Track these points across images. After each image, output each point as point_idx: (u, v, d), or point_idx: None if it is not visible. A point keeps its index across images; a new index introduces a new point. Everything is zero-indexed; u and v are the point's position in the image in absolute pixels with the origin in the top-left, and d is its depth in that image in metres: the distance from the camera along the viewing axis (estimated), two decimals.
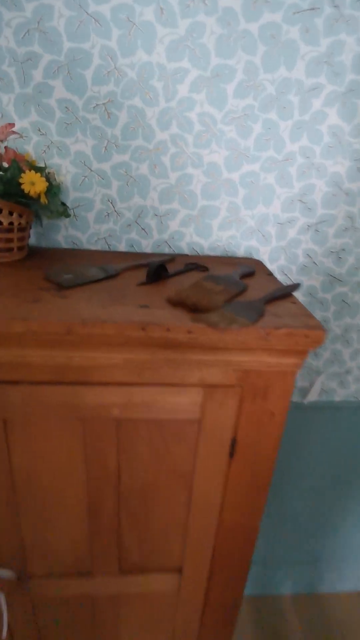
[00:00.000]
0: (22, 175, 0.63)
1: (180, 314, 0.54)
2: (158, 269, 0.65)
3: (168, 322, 0.50)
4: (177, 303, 0.56)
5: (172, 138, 0.79)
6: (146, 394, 0.58)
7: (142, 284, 0.63)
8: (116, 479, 0.66)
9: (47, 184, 0.66)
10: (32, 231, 0.84)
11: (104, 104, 0.75)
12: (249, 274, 0.73)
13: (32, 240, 0.85)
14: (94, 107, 0.75)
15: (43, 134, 0.77)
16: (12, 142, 0.77)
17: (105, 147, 0.79)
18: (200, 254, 0.90)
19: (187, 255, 0.88)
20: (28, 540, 0.72)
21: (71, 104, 0.75)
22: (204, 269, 0.75)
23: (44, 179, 0.65)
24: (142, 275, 0.68)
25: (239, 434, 0.64)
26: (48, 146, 0.78)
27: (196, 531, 0.74)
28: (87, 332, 0.49)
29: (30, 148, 0.78)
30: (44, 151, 0.78)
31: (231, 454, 0.66)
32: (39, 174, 0.64)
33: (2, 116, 0.74)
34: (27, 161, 0.69)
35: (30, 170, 0.63)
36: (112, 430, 0.62)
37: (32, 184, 0.64)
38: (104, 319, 0.50)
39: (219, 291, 0.59)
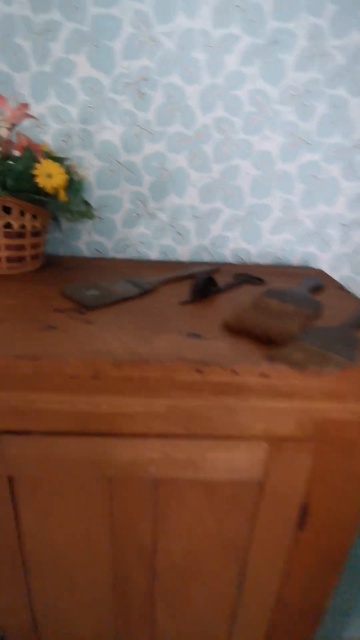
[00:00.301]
0: (37, 165, 0.50)
1: (245, 345, 0.39)
2: (206, 284, 0.50)
3: (232, 361, 0.36)
4: (238, 330, 0.41)
5: (216, 122, 0.65)
6: (193, 448, 0.44)
7: (187, 302, 0.49)
8: (150, 552, 0.51)
9: (67, 177, 0.53)
10: (48, 237, 0.72)
11: (135, 82, 0.62)
12: (317, 288, 0.57)
13: (49, 248, 0.73)
14: (123, 87, 0.62)
15: (63, 121, 0.64)
16: (26, 132, 0.65)
17: (136, 135, 0.65)
18: (247, 262, 0.75)
19: (232, 264, 0.74)
20: (39, 613, 0.58)
21: (96, 84, 0.62)
22: (259, 281, 0.60)
23: (63, 170, 0.52)
24: (182, 289, 0.54)
25: (311, 499, 0.49)
26: (69, 135, 0.65)
27: (248, 613, 0.59)
28: (122, 376, 0.35)
29: (48, 138, 0.65)
30: (64, 141, 0.65)
31: (300, 524, 0.51)
32: (57, 164, 0.51)
33: (15, 100, 0.62)
34: (44, 151, 0.56)
35: (48, 160, 0.50)
36: (147, 493, 0.48)
37: (49, 176, 0.51)
38: (144, 355, 0.36)
39: (291, 313, 0.44)
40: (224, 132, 0.66)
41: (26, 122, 0.64)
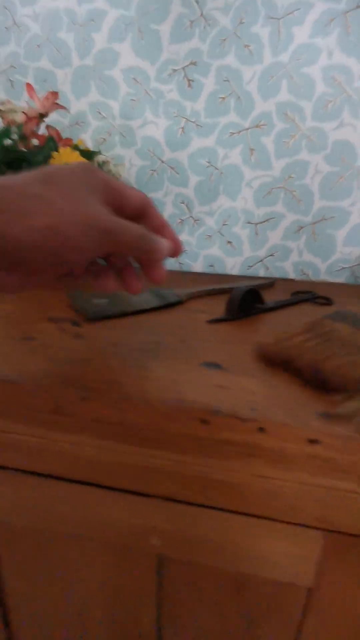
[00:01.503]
0: (54, 154, 0.43)
1: (286, 387, 0.25)
2: (246, 297, 0.38)
3: (262, 411, 0.22)
4: (278, 363, 0.28)
5: (279, 109, 0.53)
6: (214, 523, 0.30)
7: (216, 320, 0.36)
8: None
9: None
10: None
11: (183, 68, 0.54)
12: None
13: None
14: (169, 75, 0.55)
15: (103, 117, 0.58)
16: (67, 131, 0.60)
17: (183, 129, 0.57)
18: (314, 279, 0.60)
19: (293, 280, 0.59)
20: None
21: (140, 74, 0.55)
22: (325, 301, 0.45)
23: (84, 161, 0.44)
24: (217, 306, 0.42)
25: None
26: (109, 132, 0.59)
27: None
28: (91, 415, 0.24)
29: (87, 137, 0.60)
30: (104, 139, 0.59)
31: None
32: (76, 153, 0.43)
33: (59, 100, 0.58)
34: (76, 146, 0.50)
35: (65, 148, 0.43)
36: (150, 570, 0.35)
37: None
38: (126, 389, 0.24)
39: None
40: (290, 119, 0.54)
41: (66, 121, 0.59)
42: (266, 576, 0.32)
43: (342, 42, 0.50)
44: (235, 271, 0.62)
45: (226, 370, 0.27)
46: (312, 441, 0.22)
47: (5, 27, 0.57)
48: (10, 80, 0.59)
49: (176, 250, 0.26)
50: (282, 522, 0.28)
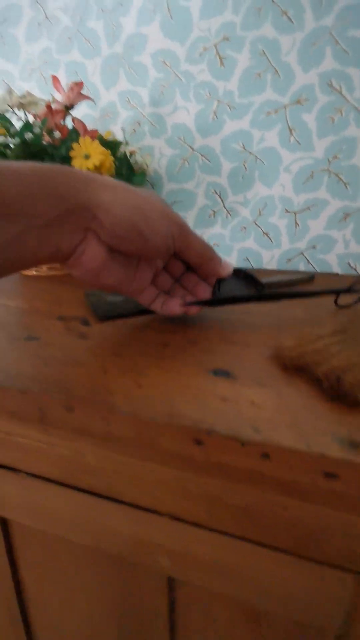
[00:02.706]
0: (74, 145, 0.42)
1: (306, 402, 0.21)
2: (231, 281, 0.32)
3: (269, 431, 0.19)
4: (298, 369, 0.23)
5: (322, 79, 0.47)
6: (226, 550, 0.27)
7: (191, 304, 0.30)
8: None
9: (111, 158, 0.43)
10: None
11: (214, 45, 0.50)
12: None
13: None
14: (200, 54, 0.51)
15: (133, 106, 0.56)
16: (98, 123, 0.59)
17: (215, 113, 0.52)
18: None
19: (338, 274, 0.53)
20: None
21: (170, 56, 0.52)
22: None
23: (106, 151, 0.42)
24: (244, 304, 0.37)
25: None
26: (139, 122, 0.56)
27: None
28: (77, 425, 0.22)
29: (117, 128, 0.58)
30: (134, 130, 0.57)
31: None
32: (96, 142, 0.41)
33: (89, 92, 0.57)
34: (100, 137, 0.48)
35: (85, 138, 0.42)
36: (161, 590, 0.32)
37: (87, 157, 0.42)
38: (112, 403, 0.21)
39: None
40: (336, 91, 0.47)
41: (96, 114, 0.58)
42: (287, 615, 0.28)
43: None
44: (272, 265, 0.57)
45: (234, 378, 0.23)
46: (329, 475, 0.17)
47: (38, 23, 0.57)
48: (44, 76, 0.59)
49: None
50: (305, 557, 0.24)
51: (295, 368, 0.23)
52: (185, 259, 0.29)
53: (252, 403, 0.21)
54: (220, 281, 0.31)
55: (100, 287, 0.27)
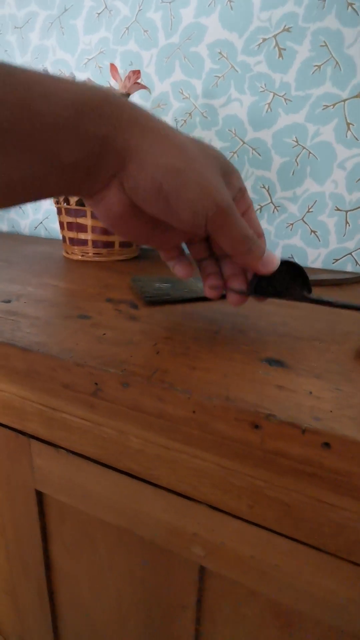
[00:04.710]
0: None
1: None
2: (278, 275, 0.29)
3: (319, 420, 0.18)
4: None
5: None
6: (263, 544, 0.26)
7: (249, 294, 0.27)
8: None
9: None
10: None
11: (274, 36, 0.49)
12: None
13: None
14: (259, 45, 0.50)
15: (186, 97, 0.56)
16: None
17: (269, 105, 0.52)
18: None
19: None
20: None
21: (227, 47, 0.52)
22: None
23: None
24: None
25: None
26: (190, 114, 0.56)
27: None
28: (130, 401, 0.22)
29: (168, 118, 0.58)
30: (184, 121, 0.57)
31: None
32: None
33: (143, 81, 0.57)
34: None
35: None
36: (190, 579, 0.32)
37: None
38: (170, 380, 0.21)
39: None
40: None
41: (148, 104, 0.58)
42: (321, 618, 0.27)
43: None
44: (317, 264, 0.55)
45: (289, 368, 0.23)
46: None
47: (97, 13, 0.58)
48: (99, 66, 0.60)
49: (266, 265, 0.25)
50: (345, 560, 0.23)
51: None
52: (218, 244, 0.24)
53: (312, 394, 0.20)
54: (260, 277, 0.26)
55: (119, 234, 0.24)
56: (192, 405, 0.20)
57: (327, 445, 0.18)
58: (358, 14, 0.45)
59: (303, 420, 0.18)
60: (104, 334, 0.27)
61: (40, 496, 0.36)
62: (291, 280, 0.27)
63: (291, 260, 0.27)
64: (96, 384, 0.22)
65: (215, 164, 0.22)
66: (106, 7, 0.57)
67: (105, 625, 0.40)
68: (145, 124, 0.20)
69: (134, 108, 0.20)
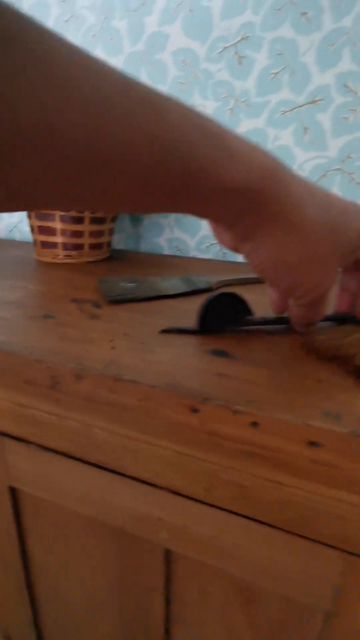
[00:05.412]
0: None
1: (298, 380, 0.22)
2: (218, 306, 0.29)
3: (251, 402, 0.20)
4: (329, 358, 0.25)
5: (339, 80, 0.48)
6: (220, 525, 0.28)
7: (167, 331, 0.29)
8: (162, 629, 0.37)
9: None
10: (129, 232, 0.66)
11: (234, 44, 0.51)
12: None
13: (130, 245, 0.67)
14: (219, 53, 0.52)
15: None
16: None
17: (231, 110, 0.54)
18: None
19: None
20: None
21: (190, 55, 0.54)
22: None
23: None
24: (251, 293, 0.39)
25: None
26: None
27: None
28: (86, 394, 0.24)
29: None
30: None
31: None
32: None
33: None
34: None
35: None
36: (158, 564, 0.34)
37: None
38: (118, 371, 0.23)
39: None
40: (352, 91, 0.48)
41: None
42: (279, 592, 0.29)
43: None
44: None
45: (233, 358, 0.25)
46: (312, 443, 0.19)
47: (64, 20, 0.59)
48: None
49: None
50: (297, 535, 0.26)
51: (328, 358, 0.24)
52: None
53: (249, 381, 0.22)
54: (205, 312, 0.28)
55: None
56: (139, 393, 0.22)
57: (255, 424, 0.20)
58: (311, 23, 0.48)
59: (236, 403, 0.20)
60: (65, 332, 0.29)
61: (14, 492, 0.38)
62: (233, 308, 0.29)
63: (229, 292, 0.29)
64: (53, 377, 0.24)
65: (340, 244, 0.21)
66: (73, 14, 0.58)
67: (83, 613, 0.41)
68: (281, 208, 0.19)
69: (289, 186, 0.19)
